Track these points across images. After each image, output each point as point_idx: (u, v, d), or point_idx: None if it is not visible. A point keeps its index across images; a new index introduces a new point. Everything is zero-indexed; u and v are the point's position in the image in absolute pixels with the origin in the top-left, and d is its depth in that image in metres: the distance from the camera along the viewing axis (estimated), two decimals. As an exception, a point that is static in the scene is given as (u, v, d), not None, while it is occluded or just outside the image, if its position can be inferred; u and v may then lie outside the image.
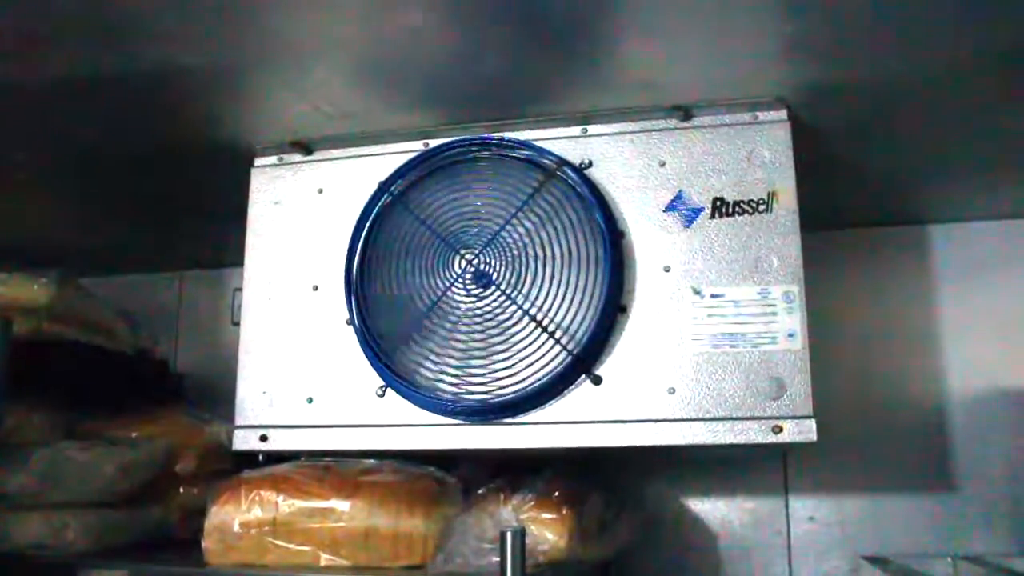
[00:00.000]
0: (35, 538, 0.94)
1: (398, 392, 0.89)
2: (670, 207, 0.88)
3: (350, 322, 0.92)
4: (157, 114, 0.94)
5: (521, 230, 0.88)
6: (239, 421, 0.95)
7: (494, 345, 0.86)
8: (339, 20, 0.76)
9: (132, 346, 1.24)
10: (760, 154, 0.87)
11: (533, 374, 0.84)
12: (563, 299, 0.85)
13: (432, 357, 0.88)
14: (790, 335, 0.83)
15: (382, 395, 0.90)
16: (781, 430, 0.81)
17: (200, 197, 1.18)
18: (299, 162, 0.99)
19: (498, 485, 0.91)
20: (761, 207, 0.86)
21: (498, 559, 0.73)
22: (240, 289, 0.99)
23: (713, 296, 0.85)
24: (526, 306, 0.86)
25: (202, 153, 1.03)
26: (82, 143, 1.02)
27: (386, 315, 0.90)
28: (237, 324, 0.98)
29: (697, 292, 0.85)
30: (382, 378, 0.90)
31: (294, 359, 0.94)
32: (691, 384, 0.83)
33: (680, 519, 1.25)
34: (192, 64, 0.83)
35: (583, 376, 0.85)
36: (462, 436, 0.87)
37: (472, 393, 0.86)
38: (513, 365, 0.85)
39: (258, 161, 1.01)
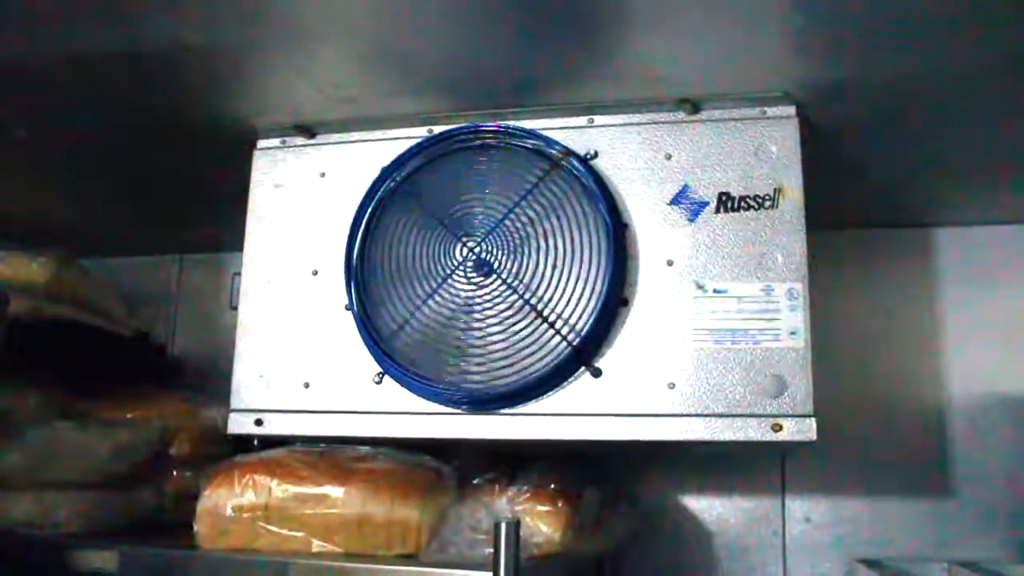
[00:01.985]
0: (26, 517, 0.94)
1: (395, 379, 0.89)
2: (675, 200, 0.87)
3: (349, 307, 0.91)
4: (159, 93, 0.94)
5: (524, 219, 0.87)
6: (235, 405, 0.94)
7: (493, 334, 0.85)
8: (347, 2, 0.75)
9: (130, 328, 1.23)
10: (767, 149, 0.86)
11: (532, 364, 0.84)
12: (564, 290, 0.84)
13: (431, 345, 0.87)
14: (792, 333, 0.82)
15: (379, 382, 0.89)
16: (781, 428, 0.80)
17: (201, 179, 1.17)
18: (302, 145, 0.99)
19: (494, 476, 0.91)
20: (767, 203, 0.85)
21: (492, 550, 0.72)
22: (239, 273, 0.98)
23: (716, 291, 0.84)
24: (527, 295, 0.85)
25: (204, 134, 1.02)
26: (83, 122, 1.01)
27: (386, 301, 0.89)
28: (235, 308, 0.98)
29: (700, 287, 0.85)
30: (380, 365, 0.89)
31: (292, 344, 0.93)
32: (691, 379, 0.83)
33: (676, 516, 1.25)
34: (196, 43, 0.82)
35: (582, 368, 0.84)
36: (459, 425, 0.87)
37: (470, 382, 0.85)
38: (512, 355, 0.84)
39: (260, 143, 1.00)
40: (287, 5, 0.76)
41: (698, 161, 0.87)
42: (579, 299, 0.84)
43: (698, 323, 0.84)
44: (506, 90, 0.90)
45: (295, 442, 0.94)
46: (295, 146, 0.99)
